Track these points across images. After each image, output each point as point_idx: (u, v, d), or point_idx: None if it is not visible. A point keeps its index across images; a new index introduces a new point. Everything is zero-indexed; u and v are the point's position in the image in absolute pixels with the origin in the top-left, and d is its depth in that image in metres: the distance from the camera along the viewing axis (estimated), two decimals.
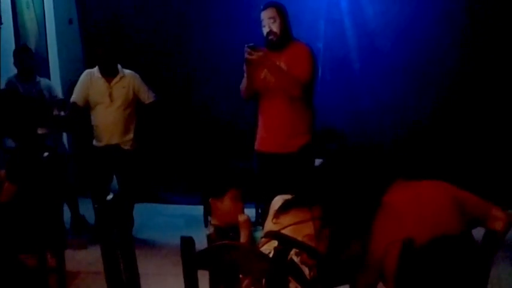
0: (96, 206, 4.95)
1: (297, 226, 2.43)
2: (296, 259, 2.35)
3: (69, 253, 4.03)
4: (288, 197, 2.59)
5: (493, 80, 5.52)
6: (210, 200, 2.87)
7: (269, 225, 2.53)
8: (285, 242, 2.36)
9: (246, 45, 3.89)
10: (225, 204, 2.83)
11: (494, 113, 5.54)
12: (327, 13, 5.68)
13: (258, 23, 4.20)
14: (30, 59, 5.13)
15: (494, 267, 2.33)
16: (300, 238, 2.39)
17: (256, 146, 4.27)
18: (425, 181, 2.38)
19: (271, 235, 2.44)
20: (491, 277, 2.25)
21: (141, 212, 5.32)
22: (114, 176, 5.10)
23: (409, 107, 5.58)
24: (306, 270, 2.34)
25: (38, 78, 5.24)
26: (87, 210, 5.23)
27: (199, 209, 5.53)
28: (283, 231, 2.43)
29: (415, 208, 2.25)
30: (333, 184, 2.53)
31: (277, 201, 2.60)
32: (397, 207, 2.27)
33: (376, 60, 5.69)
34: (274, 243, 2.39)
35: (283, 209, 2.51)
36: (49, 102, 5.07)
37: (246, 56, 3.90)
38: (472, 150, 5.58)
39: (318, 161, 4.41)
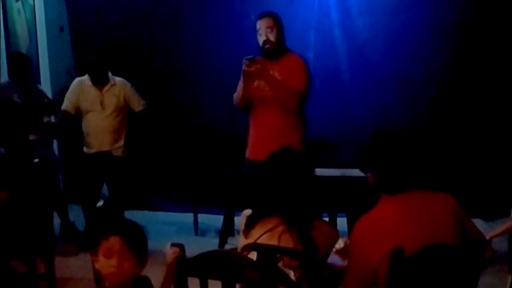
0: (86, 212, 4.96)
1: (270, 233, 2.44)
2: (279, 264, 2.36)
3: (58, 259, 4.03)
4: (250, 212, 2.60)
5: (483, 90, 5.58)
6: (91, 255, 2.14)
7: (243, 241, 2.52)
8: (265, 250, 2.37)
9: (244, 58, 3.93)
10: (100, 260, 2.10)
11: (484, 121, 5.60)
12: (318, 23, 5.72)
13: (250, 31, 4.24)
14: (25, 66, 5.08)
15: (487, 276, 2.35)
16: (276, 243, 2.40)
17: (248, 154, 4.29)
18: (430, 192, 2.32)
19: (248, 248, 2.43)
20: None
21: (132, 219, 5.31)
22: (105, 183, 5.10)
23: (398, 117, 5.61)
24: (291, 273, 2.35)
25: (33, 85, 5.22)
26: (76, 216, 5.23)
27: (190, 217, 5.54)
28: (258, 242, 2.44)
29: (415, 217, 2.21)
30: (281, 187, 2.54)
31: (243, 218, 2.60)
32: (394, 217, 2.23)
33: (366, 70, 5.73)
34: (254, 254, 2.39)
35: (250, 224, 2.53)
36: (40, 108, 5.06)
37: (244, 68, 3.94)
38: (462, 159, 5.63)
39: (326, 171, 4.44)
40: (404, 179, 2.27)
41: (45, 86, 5.79)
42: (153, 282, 2.25)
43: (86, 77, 4.92)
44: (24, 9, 5.84)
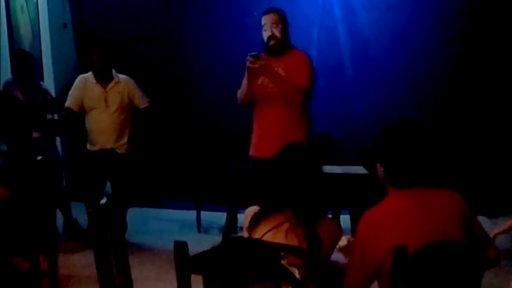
0: (89, 210, 4.96)
1: (275, 230, 2.42)
2: (283, 262, 2.35)
3: (61, 257, 4.04)
4: (256, 208, 2.58)
5: (487, 87, 5.56)
6: None
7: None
8: (269, 248, 2.36)
9: (248, 54, 3.92)
10: None
11: (488, 118, 5.58)
12: (321, 20, 5.72)
13: (253, 28, 4.23)
14: (28, 63, 5.07)
15: (490, 274, 2.35)
16: (281, 241, 2.39)
17: (252, 151, 4.28)
18: (437, 188, 2.31)
19: None
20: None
21: (135, 216, 5.32)
22: (108, 180, 5.10)
23: (402, 114, 5.61)
24: (296, 271, 2.34)
25: (36, 82, 5.22)
26: (79, 214, 5.24)
27: (193, 214, 5.55)
28: (263, 239, 2.42)
29: (422, 213, 2.21)
30: (288, 184, 2.52)
31: (248, 215, 2.59)
32: (401, 211, 2.22)
33: (369, 67, 5.72)
34: None
35: (254, 222, 2.52)
36: (43, 106, 5.06)
37: (248, 64, 3.92)
38: (466, 156, 5.61)
39: (329, 168, 4.42)
40: (415, 173, 2.27)
41: (49, 83, 5.79)
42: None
43: (89, 74, 4.92)
44: (27, 6, 5.85)
